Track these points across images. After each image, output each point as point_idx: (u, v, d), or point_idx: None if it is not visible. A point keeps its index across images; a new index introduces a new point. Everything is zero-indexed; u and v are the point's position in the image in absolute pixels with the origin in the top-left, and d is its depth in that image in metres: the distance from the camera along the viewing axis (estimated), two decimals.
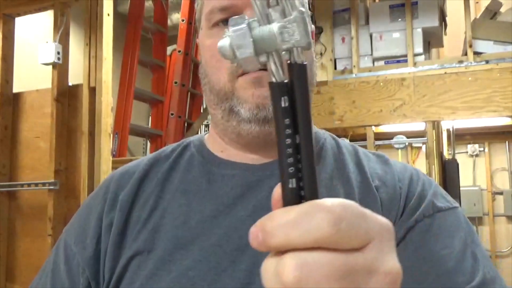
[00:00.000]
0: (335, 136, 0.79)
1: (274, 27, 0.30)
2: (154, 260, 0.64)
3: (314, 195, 0.31)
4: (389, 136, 3.65)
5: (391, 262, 0.32)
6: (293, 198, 0.31)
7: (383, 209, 0.66)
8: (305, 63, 0.31)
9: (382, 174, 0.70)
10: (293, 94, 0.31)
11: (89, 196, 0.78)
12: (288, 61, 0.31)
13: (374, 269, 0.31)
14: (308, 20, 0.31)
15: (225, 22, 0.67)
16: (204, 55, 0.70)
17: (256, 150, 0.70)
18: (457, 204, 0.69)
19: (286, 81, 0.31)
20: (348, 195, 0.67)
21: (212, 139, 0.75)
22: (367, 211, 0.32)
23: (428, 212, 0.65)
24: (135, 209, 0.70)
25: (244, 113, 0.65)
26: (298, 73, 0.30)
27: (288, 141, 0.31)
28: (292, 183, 0.31)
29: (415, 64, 3.33)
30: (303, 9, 0.31)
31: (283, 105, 0.31)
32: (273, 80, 0.31)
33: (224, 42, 0.32)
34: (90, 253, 0.68)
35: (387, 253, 0.32)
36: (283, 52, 0.30)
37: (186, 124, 3.99)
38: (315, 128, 0.77)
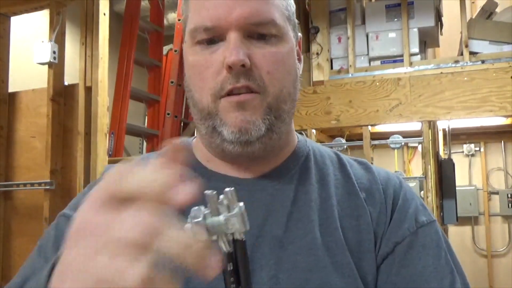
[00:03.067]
0: (319, 147, 0.80)
1: (221, 219, 0.42)
2: None
3: None
4: (385, 135, 3.64)
5: None
6: None
7: (373, 223, 0.68)
8: (244, 239, 0.44)
9: (368, 185, 0.72)
10: (236, 260, 0.45)
11: (72, 202, 0.76)
12: (232, 238, 0.44)
13: None
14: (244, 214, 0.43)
15: (208, 41, 0.66)
16: (187, 70, 0.70)
17: (241, 164, 0.71)
18: (434, 217, 0.72)
19: (231, 251, 0.44)
20: (326, 212, 0.69)
21: (200, 147, 0.75)
22: None
23: (412, 228, 0.68)
24: None
25: (226, 134, 0.65)
26: (239, 247, 0.44)
27: None
28: None
29: (411, 64, 3.33)
30: (241, 204, 0.43)
31: (229, 268, 0.44)
32: (222, 250, 0.43)
33: (187, 227, 0.43)
34: None
35: None
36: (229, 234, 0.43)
37: (182, 124, 3.98)
38: (299, 138, 0.78)
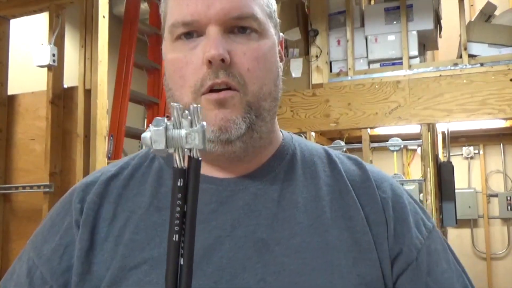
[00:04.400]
0: (306, 143, 0.78)
1: (182, 132, 0.43)
2: (131, 281, 0.64)
3: (191, 245, 0.43)
4: (385, 138, 3.65)
5: None
6: (175, 248, 0.43)
7: (368, 223, 0.67)
8: (200, 159, 0.44)
9: (360, 182, 0.71)
10: (188, 177, 0.44)
11: (52, 208, 0.77)
12: (189, 155, 0.44)
13: None
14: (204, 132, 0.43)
15: (187, 35, 0.66)
16: (167, 68, 0.69)
17: (222, 165, 0.70)
18: (432, 220, 0.73)
19: (184, 168, 0.44)
20: (313, 210, 0.68)
21: None
22: None
23: (424, 234, 0.69)
24: (101, 223, 0.69)
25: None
26: (193, 165, 0.44)
27: (178, 209, 0.43)
28: (176, 238, 0.43)
29: (410, 66, 3.34)
30: (204, 123, 0.43)
31: (179, 184, 0.43)
32: (175, 165, 0.44)
33: (146, 134, 0.44)
34: (56, 267, 0.68)
35: None
36: (186, 149, 0.44)
37: None
38: (284, 135, 0.77)
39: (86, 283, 0.65)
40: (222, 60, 0.62)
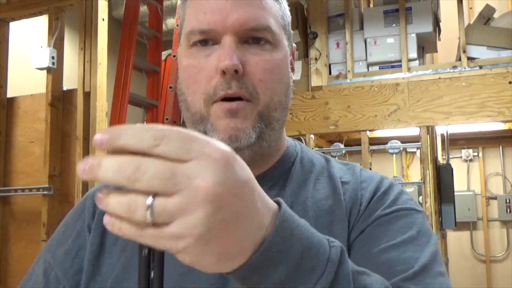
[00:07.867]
0: (308, 151, 0.80)
1: None
2: (133, 281, 0.66)
3: (161, 258, 0.41)
4: (384, 141, 3.65)
5: (209, 178, 0.38)
6: (144, 263, 0.41)
7: (347, 214, 0.68)
8: None
9: (348, 181, 0.73)
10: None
11: (68, 213, 0.79)
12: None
13: (192, 179, 0.38)
14: None
15: (203, 42, 0.67)
16: (181, 73, 0.71)
17: None
18: (421, 209, 0.71)
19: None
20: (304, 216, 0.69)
21: None
22: (197, 136, 0.40)
23: (385, 212, 0.67)
24: None
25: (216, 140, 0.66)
26: None
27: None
28: (145, 252, 0.41)
29: (409, 69, 3.34)
30: None
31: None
32: None
33: None
34: (68, 269, 0.71)
35: (208, 170, 0.39)
36: None
37: None
38: (289, 143, 0.79)
39: (95, 283, 0.68)
40: (236, 71, 0.64)
